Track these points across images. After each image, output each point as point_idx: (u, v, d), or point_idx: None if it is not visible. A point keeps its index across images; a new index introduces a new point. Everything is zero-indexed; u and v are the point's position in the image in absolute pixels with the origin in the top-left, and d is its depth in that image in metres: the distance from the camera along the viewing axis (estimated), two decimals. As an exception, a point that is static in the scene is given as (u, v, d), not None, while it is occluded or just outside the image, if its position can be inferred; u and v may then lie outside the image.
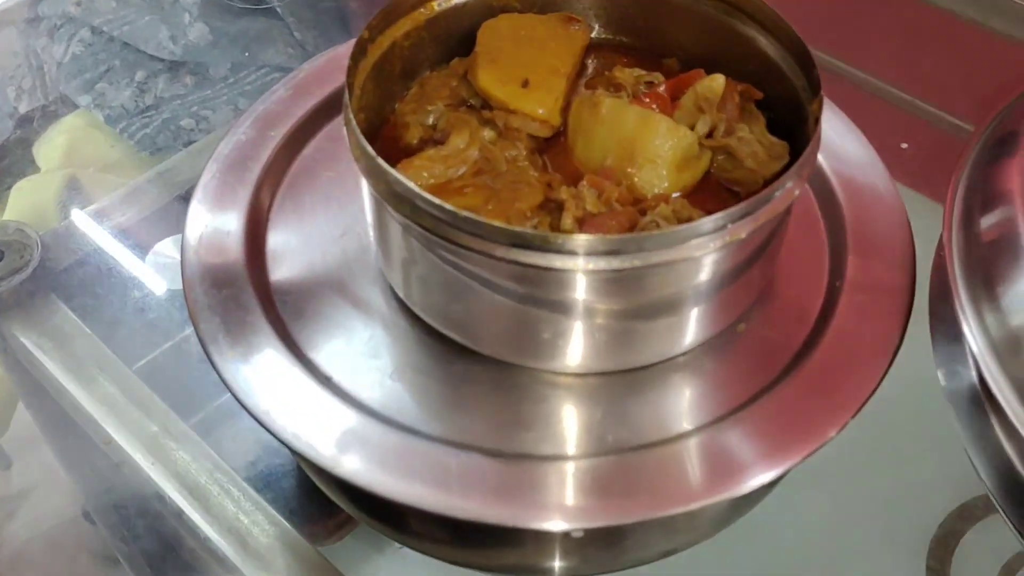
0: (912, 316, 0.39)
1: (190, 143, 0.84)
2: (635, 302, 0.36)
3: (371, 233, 0.40)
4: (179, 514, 0.46)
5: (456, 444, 0.36)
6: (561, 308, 0.35)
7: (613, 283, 0.34)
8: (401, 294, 0.39)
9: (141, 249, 0.59)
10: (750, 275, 0.37)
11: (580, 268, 0.33)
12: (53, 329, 0.53)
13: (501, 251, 0.33)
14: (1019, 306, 0.35)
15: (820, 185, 0.44)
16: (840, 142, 0.45)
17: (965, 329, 0.36)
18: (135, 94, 0.91)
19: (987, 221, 0.38)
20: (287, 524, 0.46)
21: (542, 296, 0.35)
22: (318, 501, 0.49)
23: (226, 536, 0.46)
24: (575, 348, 0.37)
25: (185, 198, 0.61)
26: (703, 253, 0.34)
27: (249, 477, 0.49)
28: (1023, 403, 0.35)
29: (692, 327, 0.38)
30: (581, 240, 0.33)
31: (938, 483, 0.50)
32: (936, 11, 0.63)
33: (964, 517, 0.49)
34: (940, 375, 0.40)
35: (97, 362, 0.52)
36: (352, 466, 0.35)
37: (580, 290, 0.34)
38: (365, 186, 0.37)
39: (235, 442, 0.52)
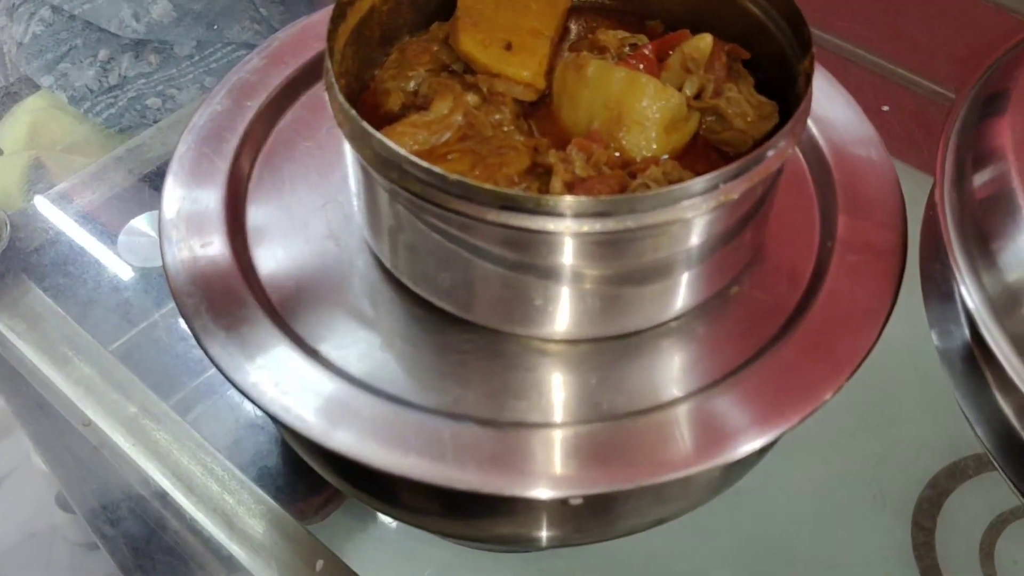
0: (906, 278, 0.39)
1: (156, 122, 0.83)
2: (627, 266, 0.35)
3: (355, 202, 0.39)
4: (162, 495, 0.46)
5: (448, 414, 0.35)
6: (552, 273, 0.35)
7: (605, 246, 0.34)
8: (388, 264, 0.39)
9: (113, 228, 0.57)
10: (742, 237, 0.37)
11: (572, 231, 0.32)
12: (25, 310, 0.52)
13: (492, 215, 0.32)
14: (1015, 261, 0.35)
15: (808, 146, 0.43)
16: (828, 104, 0.44)
17: (961, 287, 0.36)
18: (99, 73, 0.89)
19: (979, 179, 0.37)
20: (273, 502, 0.46)
21: (533, 261, 0.34)
22: (304, 478, 0.48)
23: (211, 516, 0.45)
24: (567, 314, 0.36)
25: (156, 175, 0.59)
26: (696, 214, 0.33)
27: (232, 456, 0.48)
28: (1020, 356, 0.35)
29: (684, 291, 0.37)
30: (573, 201, 0.32)
31: (928, 443, 0.50)
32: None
33: (953, 476, 0.49)
34: (934, 335, 0.40)
35: (71, 343, 0.51)
36: (343, 438, 0.34)
37: (572, 254, 0.34)
38: (349, 152, 0.36)
39: (216, 421, 0.51)
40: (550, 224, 0.32)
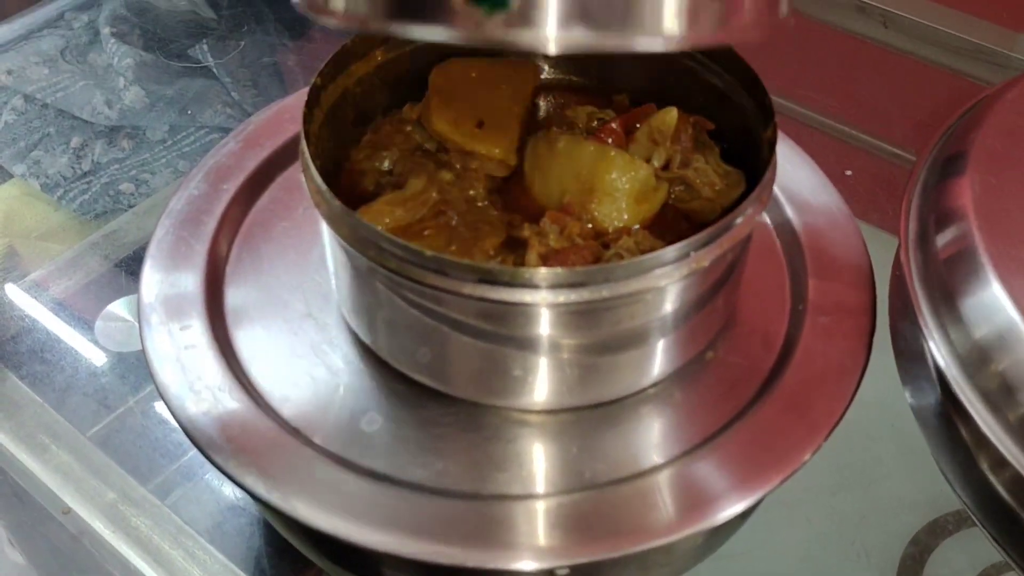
0: (877, 338, 0.40)
1: (131, 207, 0.83)
2: (603, 335, 0.36)
3: (333, 280, 0.40)
4: (143, 581, 0.45)
5: (431, 489, 0.35)
6: (530, 344, 0.35)
7: (581, 316, 0.34)
8: (367, 340, 0.39)
9: (89, 314, 0.57)
10: (715, 303, 0.38)
11: (548, 301, 0.33)
12: (2, 399, 0.52)
13: (469, 288, 0.33)
14: (981, 317, 0.36)
15: (775, 213, 0.45)
16: (792, 170, 0.46)
17: (930, 344, 0.37)
18: (72, 160, 0.89)
19: (942, 238, 0.38)
20: (257, 585, 0.45)
21: (511, 333, 0.35)
22: (287, 559, 0.48)
23: (193, 601, 0.45)
24: (545, 384, 0.36)
25: (132, 260, 0.60)
26: (668, 282, 0.34)
27: (214, 539, 0.47)
28: (991, 411, 0.35)
29: (660, 358, 0.38)
30: (548, 273, 0.32)
31: (909, 500, 0.50)
32: (870, 45, 0.65)
33: (935, 533, 0.49)
34: (907, 393, 0.40)
35: (50, 431, 0.51)
36: (329, 518, 0.34)
37: (548, 324, 0.34)
38: (326, 232, 0.37)
39: (197, 504, 0.51)
40: (527, 296, 0.33)
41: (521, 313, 0.34)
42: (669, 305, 0.35)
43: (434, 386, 0.38)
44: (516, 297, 0.33)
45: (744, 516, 0.41)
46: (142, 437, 0.54)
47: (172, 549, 0.46)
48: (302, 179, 0.37)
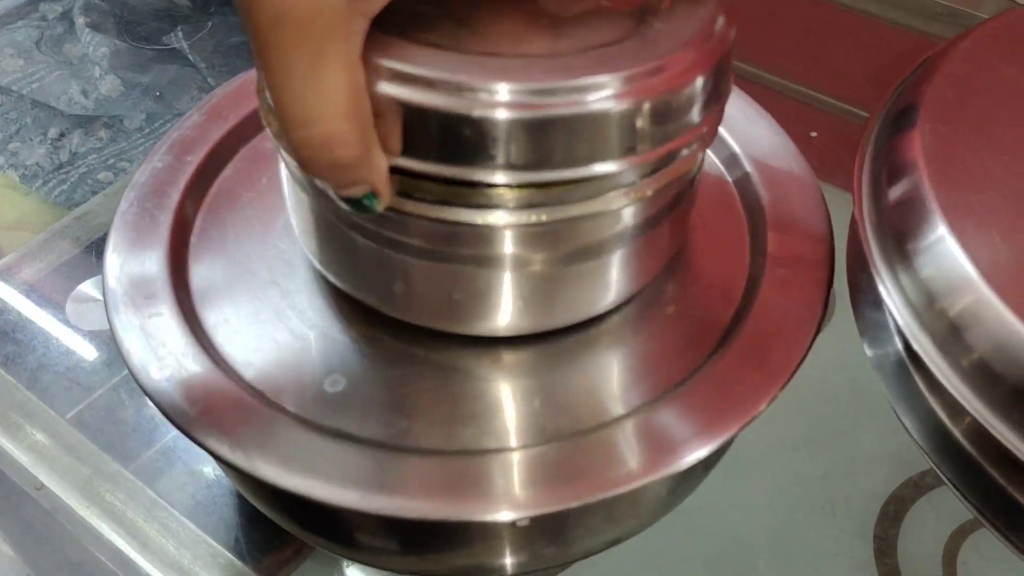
0: (839, 298, 0.40)
1: (107, 195, 0.83)
2: (558, 252, 0.36)
3: (294, 225, 0.40)
4: (117, 554, 0.45)
5: (395, 447, 0.36)
6: (487, 262, 0.35)
7: (533, 236, 0.34)
8: (323, 269, 0.39)
9: (61, 296, 0.58)
10: (662, 228, 0.38)
11: (506, 222, 0.33)
12: (-27, 381, 0.52)
13: (423, 210, 0.33)
14: (931, 265, 0.36)
15: (735, 167, 0.45)
16: (750, 127, 0.46)
17: (883, 293, 0.37)
18: (49, 151, 0.90)
19: (894, 190, 0.39)
20: (229, 555, 0.46)
21: (469, 251, 0.35)
22: (263, 532, 0.48)
23: (168, 572, 0.45)
24: (505, 304, 0.37)
25: (103, 241, 0.60)
26: (618, 206, 0.34)
27: (188, 512, 0.48)
28: (945, 358, 0.36)
29: (617, 277, 0.38)
30: (509, 193, 0.32)
31: (873, 455, 0.51)
32: (834, 7, 0.65)
33: (912, 488, 0.50)
34: (864, 344, 0.41)
35: (23, 410, 0.51)
36: (292, 477, 0.34)
37: (507, 243, 0.34)
38: (283, 169, 0.37)
39: (172, 480, 0.51)
40: (484, 217, 0.33)
41: (478, 233, 0.34)
42: (622, 224, 0.36)
43: (398, 316, 0.38)
44: (472, 218, 0.33)
45: (706, 467, 0.42)
46: (117, 417, 0.54)
47: (146, 523, 0.47)
48: (261, 114, 0.36)
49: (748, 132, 0.46)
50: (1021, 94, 0.41)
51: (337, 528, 0.40)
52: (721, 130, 0.46)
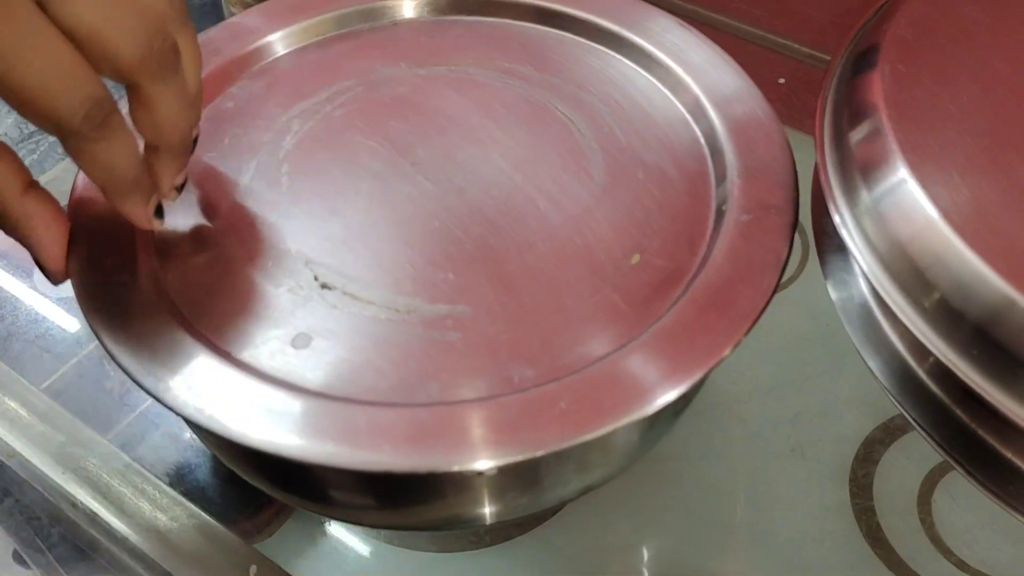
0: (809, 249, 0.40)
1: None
2: None
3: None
4: (92, 517, 0.45)
5: (361, 401, 0.36)
6: None
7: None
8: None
9: (30, 264, 0.57)
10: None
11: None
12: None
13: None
14: (892, 205, 0.36)
15: (701, 117, 0.45)
16: (714, 72, 0.46)
17: (845, 237, 0.37)
18: (18, 120, 0.89)
19: (855, 135, 0.39)
20: (206, 516, 0.46)
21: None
22: (242, 494, 0.48)
23: (144, 534, 0.45)
24: None
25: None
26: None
27: (163, 475, 0.48)
28: (907, 299, 0.36)
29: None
30: None
31: (841, 399, 0.51)
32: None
33: (886, 432, 0.51)
34: (829, 287, 0.41)
35: (-7, 378, 0.51)
36: (260, 434, 0.34)
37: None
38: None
39: (152, 449, 0.51)
40: None
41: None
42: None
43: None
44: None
45: (676, 412, 0.42)
46: (91, 385, 0.54)
47: (121, 486, 0.47)
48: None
49: (712, 79, 0.46)
50: (980, 34, 0.41)
51: (310, 486, 0.40)
52: (685, 77, 0.46)
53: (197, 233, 0.41)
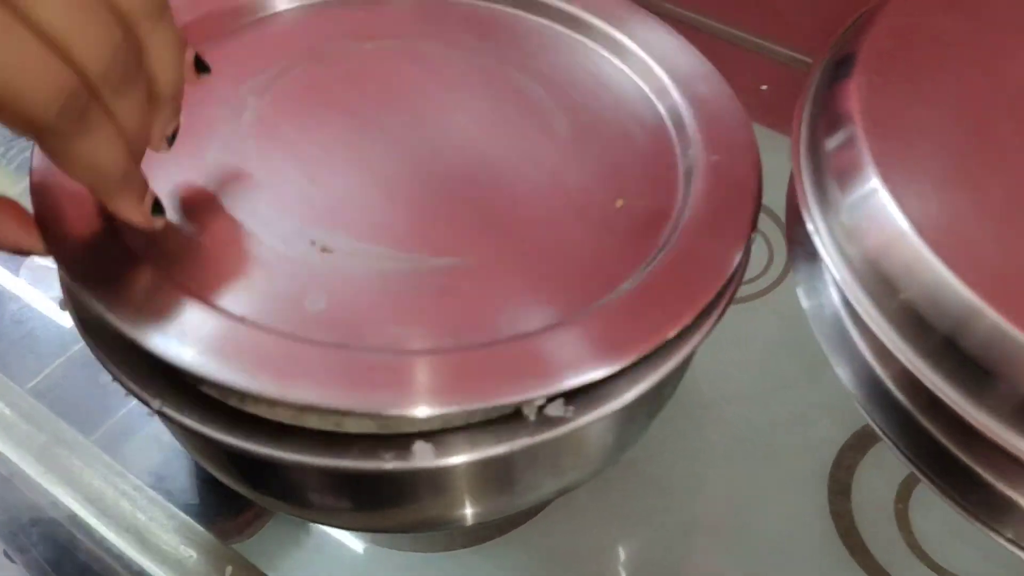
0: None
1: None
2: None
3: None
4: (73, 517, 0.46)
5: (306, 339, 0.35)
6: None
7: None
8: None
9: (17, 260, 0.58)
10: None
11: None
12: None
13: None
14: (863, 215, 0.37)
15: (666, 100, 0.46)
16: (675, 55, 0.47)
17: (818, 244, 0.38)
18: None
19: (831, 142, 0.39)
20: (184, 516, 0.46)
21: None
22: (223, 497, 0.49)
23: (123, 535, 0.45)
24: None
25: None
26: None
27: (145, 476, 0.48)
28: (877, 308, 0.36)
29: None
30: None
31: (816, 405, 0.51)
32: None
33: (864, 438, 0.51)
34: (800, 294, 0.41)
35: (-23, 379, 0.51)
36: (167, 348, 0.34)
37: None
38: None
39: (134, 451, 0.52)
40: None
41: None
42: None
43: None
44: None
45: (649, 414, 0.42)
46: (83, 388, 0.54)
47: (103, 485, 0.47)
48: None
49: (657, 44, 0.47)
50: (957, 45, 0.41)
51: (285, 485, 0.40)
52: (631, 44, 0.47)
53: (179, 213, 0.40)
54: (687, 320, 0.36)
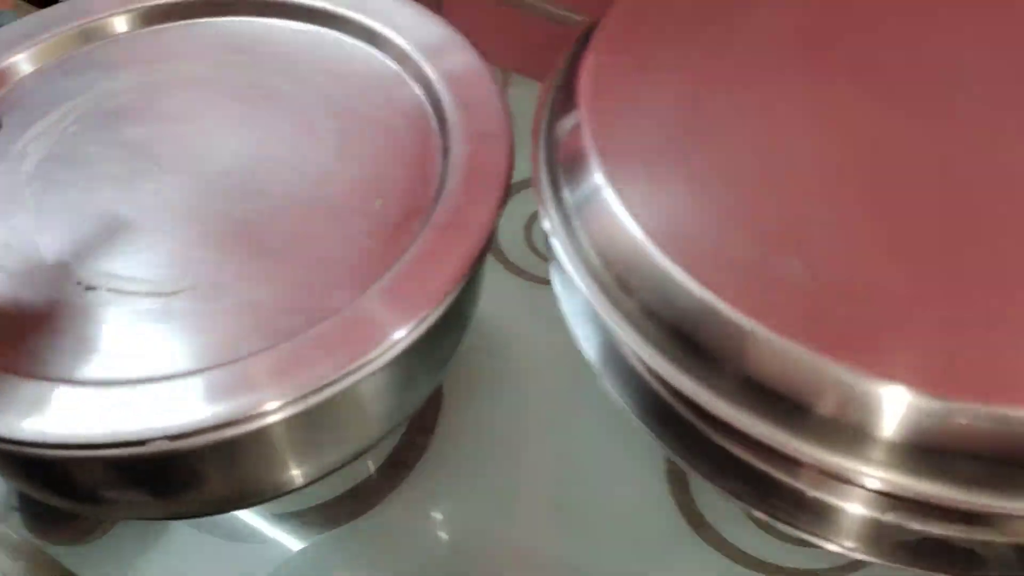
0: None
1: None
2: None
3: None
4: None
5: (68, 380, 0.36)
6: None
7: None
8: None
9: None
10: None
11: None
12: None
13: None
14: (584, 201, 0.36)
15: (413, 68, 0.46)
16: (422, 27, 0.48)
17: (554, 243, 0.37)
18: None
19: (562, 129, 0.38)
20: (10, 531, 0.47)
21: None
22: (41, 516, 0.49)
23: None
24: None
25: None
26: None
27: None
28: (613, 302, 0.36)
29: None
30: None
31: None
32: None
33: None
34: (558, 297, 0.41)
35: None
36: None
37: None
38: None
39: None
40: None
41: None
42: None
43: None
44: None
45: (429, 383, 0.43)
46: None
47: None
48: None
49: (419, 33, 0.47)
50: (692, 25, 0.39)
51: (78, 488, 0.41)
52: (394, 35, 0.48)
53: None
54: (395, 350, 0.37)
